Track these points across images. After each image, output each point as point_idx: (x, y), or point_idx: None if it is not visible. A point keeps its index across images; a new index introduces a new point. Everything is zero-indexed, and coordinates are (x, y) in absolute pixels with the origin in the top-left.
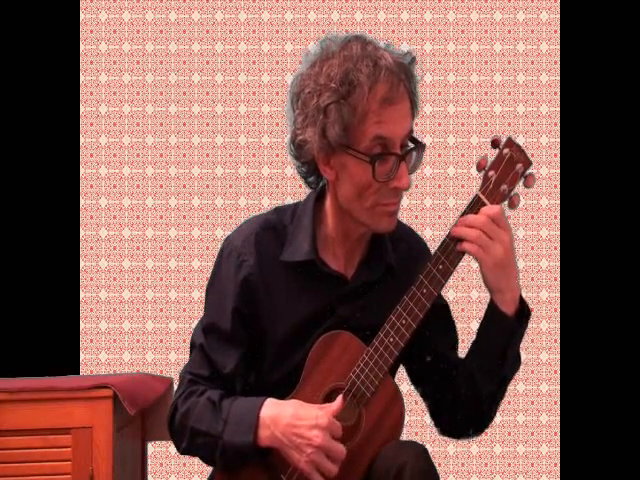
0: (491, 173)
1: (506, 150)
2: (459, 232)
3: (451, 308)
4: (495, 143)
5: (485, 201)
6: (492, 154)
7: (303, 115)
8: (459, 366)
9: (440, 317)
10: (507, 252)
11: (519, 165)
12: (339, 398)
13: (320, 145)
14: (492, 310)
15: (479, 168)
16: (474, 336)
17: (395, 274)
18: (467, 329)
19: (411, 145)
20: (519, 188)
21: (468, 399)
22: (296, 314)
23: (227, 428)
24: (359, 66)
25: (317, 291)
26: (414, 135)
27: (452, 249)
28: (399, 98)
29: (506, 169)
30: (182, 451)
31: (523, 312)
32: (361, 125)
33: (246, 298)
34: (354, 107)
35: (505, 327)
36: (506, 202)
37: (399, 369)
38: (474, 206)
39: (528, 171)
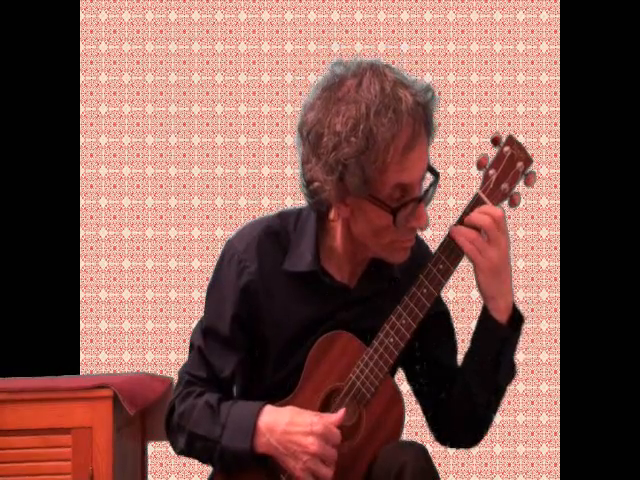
0: (492, 172)
1: (507, 148)
2: (459, 230)
3: (451, 308)
4: (495, 141)
5: (486, 200)
6: (492, 152)
7: (319, 162)
8: (456, 374)
9: (440, 324)
10: (502, 257)
11: (520, 163)
12: (341, 411)
13: (337, 192)
14: (484, 317)
15: (479, 166)
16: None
17: (398, 283)
18: (467, 329)
19: (427, 177)
20: (519, 187)
21: (463, 407)
22: (297, 321)
23: (225, 433)
24: (381, 118)
25: (319, 299)
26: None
27: (452, 249)
28: (419, 140)
29: (507, 168)
30: (179, 452)
31: (516, 320)
32: (382, 175)
33: (246, 305)
34: (375, 160)
35: (497, 335)
36: (506, 201)
37: (399, 369)
38: (474, 205)
39: (529, 169)
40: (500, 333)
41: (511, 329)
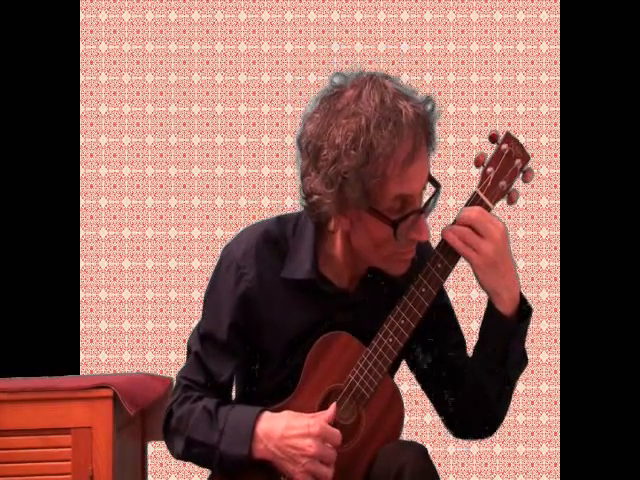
0: (490, 170)
1: (504, 146)
2: (450, 229)
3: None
4: (493, 138)
5: (484, 198)
6: (490, 149)
7: (319, 175)
8: (465, 366)
9: (441, 317)
10: (498, 251)
11: (518, 161)
12: (332, 405)
13: (337, 205)
14: (490, 310)
15: (477, 164)
16: (475, 336)
17: (398, 285)
18: (467, 329)
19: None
20: (517, 184)
21: (475, 399)
22: (296, 325)
23: (223, 439)
24: (381, 131)
25: (318, 305)
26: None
27: (451, 248)
28: (420, 152)
29: (505, 165)
30: (177, 456)
31: (524, 310)
32: (382, 187)
33: (244, 312)
34: (375, 173)
35: (504, 327)
36: (505, 198)
37: (399, 369)
38: (473, 203)
39: (526, 166)
40: (506, 326)
41: (517, 321)
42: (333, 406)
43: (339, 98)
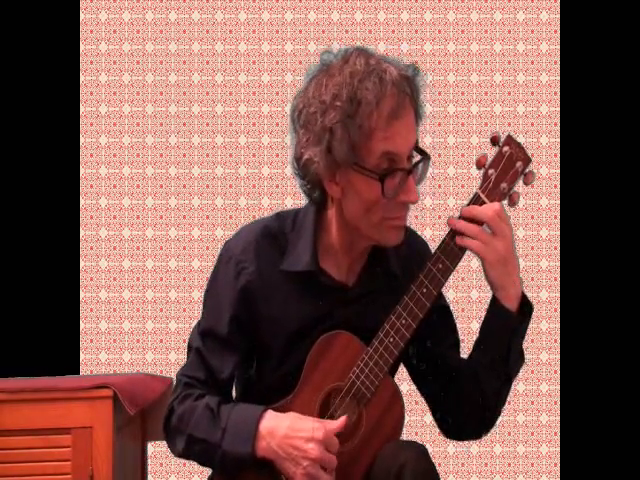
0: (491, 171)
1: (506, 148)
2: (460, 227)
3: (451, 308)
4: (494, 140)
5: (485, 199)
6: (491, 151)
7: (308, 134)
8: (462, 366)
9: (440, 318)
10: (508, 247)
11: (519, 163)
12: (342, 419)
13: (326, 163)
14: (495, 307)
15: (479, 166)
16: (475, 336)
17: (397, 280)
18: (467, 329)
19: (417, 156)
20: (518, 186)
21: (473, 398)
22: (296, 320)
23: (226, 437)
24: (365, 83)
25: (317, 298)
26: (419, 145)
27: (452, 248)
28: (405, 112)
29: (506, 167)
30: (177, 454)
31: (525, 308)
32: (368, 142)
33: (244, 306)
34: (361, 125)
35: (509, 323)
36: (506, 200)
37: (399, 369)
38: (474, 204)
39: (527, 168)
40: (512, 322)
41: (521, 317)
42: (343, 419)
43: (328, 71)
